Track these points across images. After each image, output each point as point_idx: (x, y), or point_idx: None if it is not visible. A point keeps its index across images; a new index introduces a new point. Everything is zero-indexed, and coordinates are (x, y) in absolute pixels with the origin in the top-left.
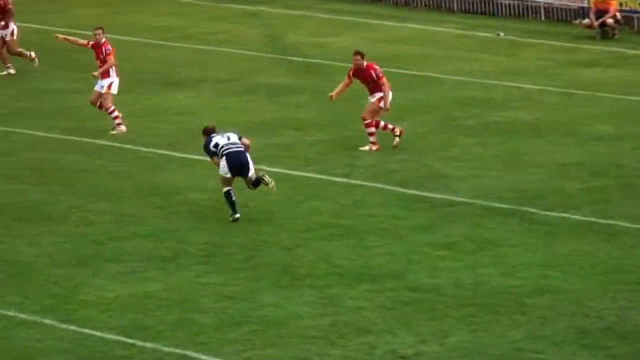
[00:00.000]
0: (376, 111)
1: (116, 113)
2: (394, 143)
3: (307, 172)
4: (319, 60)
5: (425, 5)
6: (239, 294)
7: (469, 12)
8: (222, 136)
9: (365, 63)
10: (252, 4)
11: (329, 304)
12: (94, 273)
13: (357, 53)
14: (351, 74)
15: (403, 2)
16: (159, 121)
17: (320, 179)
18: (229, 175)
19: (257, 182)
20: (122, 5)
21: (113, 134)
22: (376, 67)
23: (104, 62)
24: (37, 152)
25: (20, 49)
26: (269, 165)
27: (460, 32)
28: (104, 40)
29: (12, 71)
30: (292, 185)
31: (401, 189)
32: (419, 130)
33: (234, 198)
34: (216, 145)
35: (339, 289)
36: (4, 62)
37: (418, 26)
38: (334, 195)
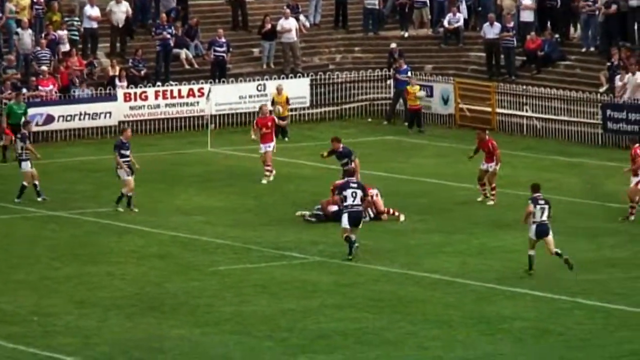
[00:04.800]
0: None
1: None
2: None
3: (620, 305)
4: None
5: None
6: None
7: None
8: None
9: None
10: (575, 156)
11: None
12: None
13: None
14: None
15: None
16: (488, 258)
17: (631, 311)
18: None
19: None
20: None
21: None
22: None
23: None
24: (377, 285)
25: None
26: (584, 298)
27: None
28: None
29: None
30: (605, 316)
31: None
32: None
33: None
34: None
35: None
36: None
37: None
38: None
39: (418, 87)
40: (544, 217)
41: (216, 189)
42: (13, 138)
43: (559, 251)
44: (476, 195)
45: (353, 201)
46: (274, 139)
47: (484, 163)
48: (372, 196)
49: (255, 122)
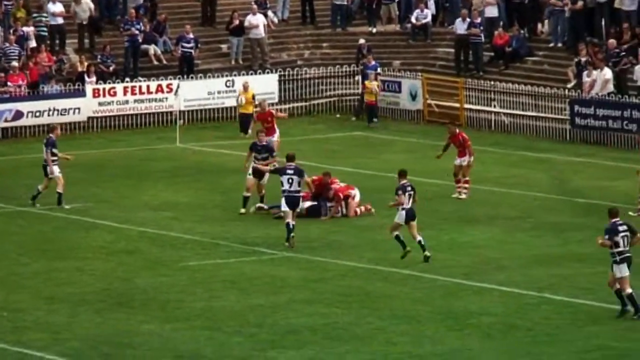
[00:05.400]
0: None
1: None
2: None
3: (587, 300)
4: (599, 202)
5: None
6: None
7: None
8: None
9: None
10: (542, 152)
11: None
12: None
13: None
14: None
15: None
16: (456, 253)
17: (598, 306)
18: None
19: None
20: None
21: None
22: None
23: None
24: (345, 280)
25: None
26: (552, 293)
27: None
28: None
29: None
30: (572, 311)
31: None
32: None
33: None
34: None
35: None
36: None
37: None
38: (611, 321)
39: (376, 83)
40: (411, 203)
41: (184, 185)
42: None
43: (422, 241)
44: (445, 191)
45: (290, 187)
46: (277, 130)
47: (457, 158)
48: (348, 197)
49: (255, 117)
